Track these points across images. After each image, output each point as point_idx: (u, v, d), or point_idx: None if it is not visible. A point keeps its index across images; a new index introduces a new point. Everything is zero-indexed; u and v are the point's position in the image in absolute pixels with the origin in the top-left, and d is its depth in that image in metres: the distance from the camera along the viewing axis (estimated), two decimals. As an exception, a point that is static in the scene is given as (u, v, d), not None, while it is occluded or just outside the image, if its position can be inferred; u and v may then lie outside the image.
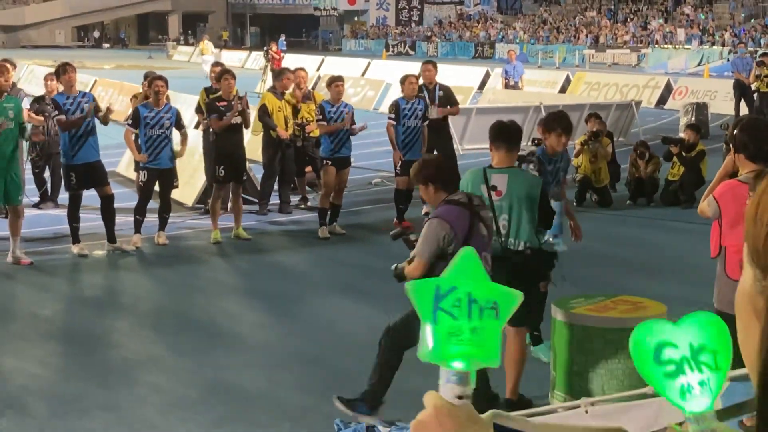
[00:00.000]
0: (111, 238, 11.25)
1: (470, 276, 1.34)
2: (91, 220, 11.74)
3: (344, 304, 9.36)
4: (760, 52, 30.45)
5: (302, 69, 14.24)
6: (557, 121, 7.94)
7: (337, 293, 9.75)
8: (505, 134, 6.90)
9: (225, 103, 11.71)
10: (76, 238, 11.18)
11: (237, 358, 7.87)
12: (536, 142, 7.96)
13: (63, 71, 11.16)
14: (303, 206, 13.76)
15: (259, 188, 13.67)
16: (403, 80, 12.58)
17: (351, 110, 12.14)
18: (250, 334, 8.59)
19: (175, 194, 13.81)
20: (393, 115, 12.36)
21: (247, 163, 13.83)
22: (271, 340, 8.43)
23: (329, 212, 12.21)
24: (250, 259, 11.26)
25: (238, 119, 11.71)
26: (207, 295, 9.83)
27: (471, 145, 18.52)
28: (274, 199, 13.61)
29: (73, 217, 11.16)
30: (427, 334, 1.30)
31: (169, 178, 11.68)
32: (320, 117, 12.00)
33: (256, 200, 13.60)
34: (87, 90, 12.69)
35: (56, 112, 10.92)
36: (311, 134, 13.24)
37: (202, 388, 7.20)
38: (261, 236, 12.33)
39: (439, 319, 1.31)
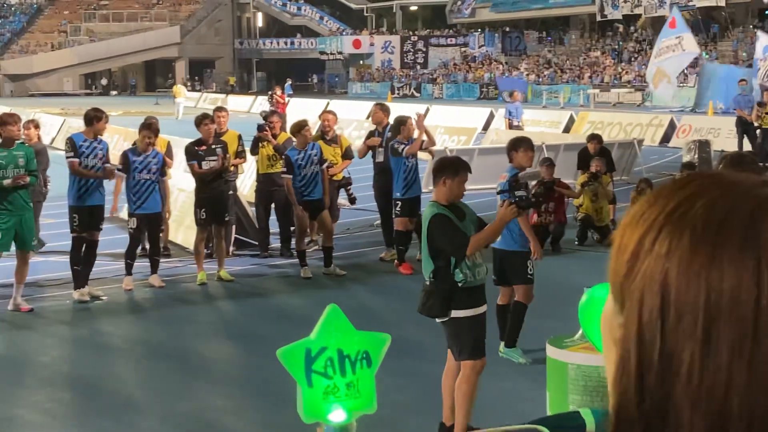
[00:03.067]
0: (83, 282, 11.26)
1: (338, 332, 1.35)
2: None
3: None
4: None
5: (330, 112, 14.32)
6: (521, 140, 8.89)
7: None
8: (432, 171, 7.09)
9: (204, 147, 11.91)
10: (78, 282, 11.20)
11: (230, 401, 7.84)
12: (510, 179, 8.18)
13: (97, 119, 11.20)
14: (312, 249, 13.68)
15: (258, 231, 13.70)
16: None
17: (319, 151, 12.19)
18: (245, 376, 8.56)
19: (177, 238, 13.90)
20: (285, 169, 12.16)
21: (248, 205, 13.93)
22: (268, 381, 8.40)
23: (323, 255, 12.34)
24: (247, 302, 11.26)
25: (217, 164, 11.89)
26: (203, 339, 9.82)
27: (473, 185, 18.47)
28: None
29: (76, 261, 11.19)
30: (299, 396, 1.31)
31: (156, 222, 11.79)
32: (284, 170, 12.08)
33: (256, 243, 13.63)
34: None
35: (71, 153, 10.99)
36: (334, 178, 13.29)
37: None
38: (259, 279, 12.35)
39: (314, 381, 1.31)
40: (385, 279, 12.22)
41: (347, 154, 13.46)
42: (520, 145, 8.80)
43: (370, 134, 13.40)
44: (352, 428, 1.19)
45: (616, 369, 0.93)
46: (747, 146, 22.05)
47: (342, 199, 14.32)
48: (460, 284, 6.62)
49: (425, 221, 6.72)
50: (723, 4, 53.24)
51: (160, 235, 12.42)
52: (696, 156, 19.90)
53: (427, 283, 6.70)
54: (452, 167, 6.86)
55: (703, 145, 21.15)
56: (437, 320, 6.77)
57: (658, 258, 0.90)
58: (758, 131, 21.91)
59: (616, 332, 0.94)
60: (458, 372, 6.72)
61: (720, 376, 0.86)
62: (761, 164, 15.53)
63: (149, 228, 11.70)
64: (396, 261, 12.50)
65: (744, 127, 22.63)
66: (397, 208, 12.36)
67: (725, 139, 24.95)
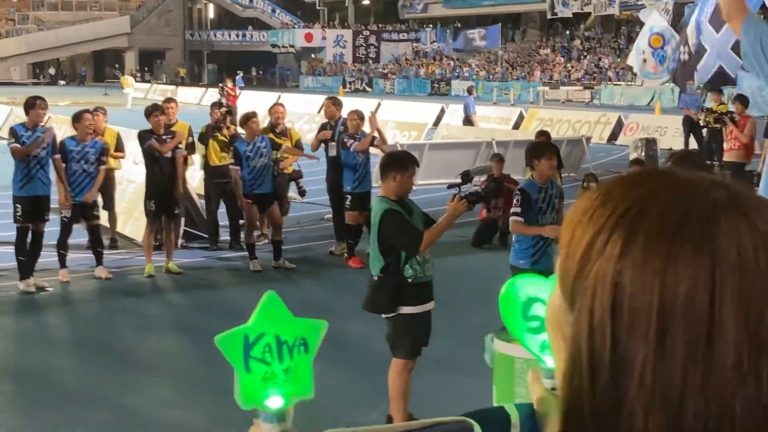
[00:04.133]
0: (28, 273, 11.13)
1: (275, 318, 1.37)
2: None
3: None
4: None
5: (280, 104, 14.28)
6: (544, 146, 8.05)
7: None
8: (380, 166, 6.97)
9: (156, 137, 11.89)
10: (23, 273, 11.07)
11: (177, 394, 7.82)
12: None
13: (30, 106, 11.08)
14: (262, 242, 13.67)
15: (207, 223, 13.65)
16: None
17: (268, 144, 12.18)
18: (192, 368, 8.53)
19: (126, 230, 13.80)
20: (234, 160, 12.19)
21: (197, 197, 13.87)
22: (215, 374, 8.37)
23: (273, 248, 12.31)
24: (195, 295, 11.20)
25: (168, 154, 11.84)
26: (150, 331, 9.75)
27: (424, 180, 18.58)
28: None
29: (21, 251, 11.05)
30: (236, 382, 1.33)
31: (87, 212, 11.59)
32: (233, 161, 12.08)
33: (207, 236, 13.58)
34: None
35: (12, 140, 10.87)
36: (284, 171, 13.25)
37: (140, 425, 7.14)
38: (207, 272, 12.30)
39: (252, 367, 1.33)
40: (334, 272, 12.22)
41: (298, 147, 13.44)
42: (544, 152, 8.13)
43: (322, 127, 13.39)
44: (289, 414, 1.22)
45: (567, 367, 0.93)
46: (693, 145, 22.33)
47: (292, 192, 14.30)
48: (409, 280, 6.64)
49: (376, 216, 6.69)
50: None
51: (106, 227, 12.29)
52: (643, 154, 20.11)
53: (375, 278, 6.69)
54: (401, 162, 6.85)
55: (650, 143, 21.37)
56: (383, 316, 6.78)
57: (610, 259, 0.90)
58: (704, 130, 22.19)
59: (566, 329, 0.94)
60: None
61: (675, 379, 0.86)
62: (707, 162, 15.75)
63: (85, 218, 11.58)
64: (346, 255, 12.51)
65: (691, 126, 22.92)
66: (348, 202, 12.37)
67: (672, 137, 25.26)
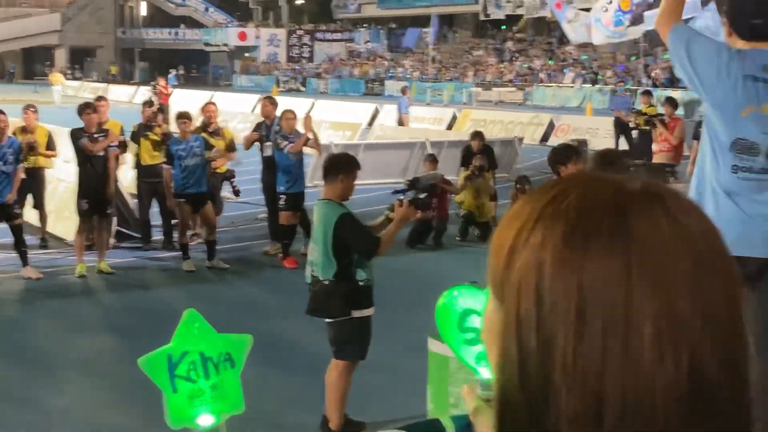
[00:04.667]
0: None
1: (198, 335, 1.37)
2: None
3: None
4: (640, 90, 31.33)
5: (212, 103, 14.17)
6: (570, 150, 7.71)
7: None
8: (325, 167, 6.85)
9: (87, 135, 11.76)
10: None
11: (109, 395, 7.74)
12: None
13: None
14: (195, 242, 13.53)
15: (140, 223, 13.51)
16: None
17: (202, 143, 12.12)
18: (124, 369, 8.43)
19: (56, 229, 13.60)
20: (166, 159, 12.15)
21: (129, 196, 13.73)
22: (147, 376, 8.29)
23: (207, 248, 12.25)
24: (127, 295, 11.08)
25: (101, 152, 11.75)
26: (82, 332, 9.63)
27: (358, 180, 18.56)
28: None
29: None
30: (164, 403, 1.33)
31: (9, 211, 11.39)
32: (165, 160, 12.02)
33: (139, 236, 13.45)
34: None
35: None
36: (217, 170, 13.17)
37: (69, 426, 7.05)
38: (140, 272, 12.19)
39: (178, 386, 1.33)
40: (269, 273, 12.19)
41: (231, 147, 13.37)
42: (570, 156, 7.36)
43: (257, 126, 13.35)
44: (222, 430, 1.20)
45: (499, 359, 0.97)
46: (624, 146, 22.63)
47: (226, 191, 14.22)
48: (361, 283, 6.64)
49: (328, 220, 6.57)
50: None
51: (37, 226, 12.11)
52: (575, 155, 20.35)
53: (326, 282, 6.61)
54: (349, 165, 6.80)
55: (580, 144, 21.66)
56: (327, 319, 6.74)
57: (533, 250, 0.95)
58: (634, 132, 22.51)
59: (498, 327, 0.98)
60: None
61: (594, 358, 0.90)
62: (638, 161, 16.01)
63: (7, 219, 11.40)
64: (281, 255, 12.48)
65: (621, 128, 23.25)
66: (282, 202, 12.33)
67: (603, 139, 25.59)
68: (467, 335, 1.37)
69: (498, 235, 1.00)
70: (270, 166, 12.77)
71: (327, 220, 6.58)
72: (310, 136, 12.27)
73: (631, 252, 0.92)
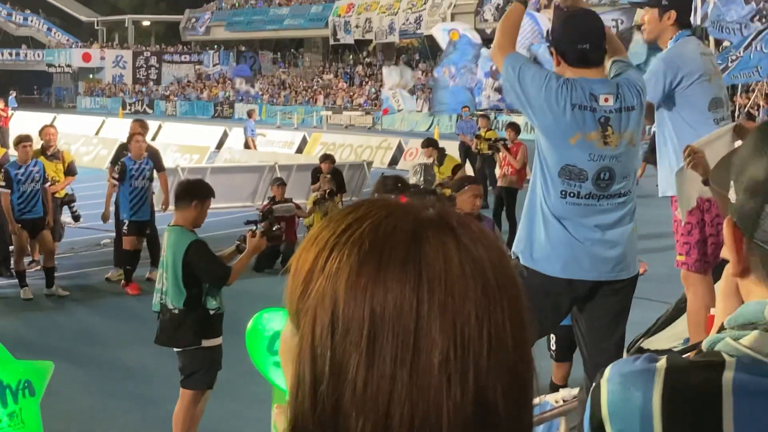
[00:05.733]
0: None
1: None
2: None
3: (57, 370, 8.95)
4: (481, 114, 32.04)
5: (51, 126, 13.80)
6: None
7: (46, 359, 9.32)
8: (178, 193, 6.67)
9: None
10: None
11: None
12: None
13: None
14: (33, 269, 13.08)
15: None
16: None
17: (41, 168, 11.78)
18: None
19: None
20: (117, 176, 12.02)
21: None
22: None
23: (45, 275, 11.87)
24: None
25: None
26: None
27: (205, 204, 18.38)
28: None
29: None
30: None
31: None
32: (3, 184, 11.60)
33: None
34: None
35: None
36: (56, 195, 12.75)
37: None
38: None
39: None
40: (111, 300, 11.87)
41: (70, 170, 13.00)
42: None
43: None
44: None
45: (293, 383, 0.97)
46: (470, 171, 23.06)
47: (66, 216, 13.80)
48: (212, 312, 6.51)
49: (178, 248, 6.40)
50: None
51: None
52: (422, 179, 20.60)
53: (176, 311, 6.44)
54: (204, 191, 6.65)
55: (428, 168, 21.92)
56: (176, 348, 6.59)
57: (328, 276, 0.96)
58: (478, 156, 22.99)
59: (294, 352, 0.98)
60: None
61: (383, 383, 0.91)
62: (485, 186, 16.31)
63: None
64: (123, 281, 12.18)
65: (466, 152, 23.69)
66: (125, 228, 12.05)
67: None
68: (276, 358, 1.34)
69: (297, 257, 1.02)
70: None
71: (177, 247, 6.43)
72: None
73: (422, 280, 0.93)
